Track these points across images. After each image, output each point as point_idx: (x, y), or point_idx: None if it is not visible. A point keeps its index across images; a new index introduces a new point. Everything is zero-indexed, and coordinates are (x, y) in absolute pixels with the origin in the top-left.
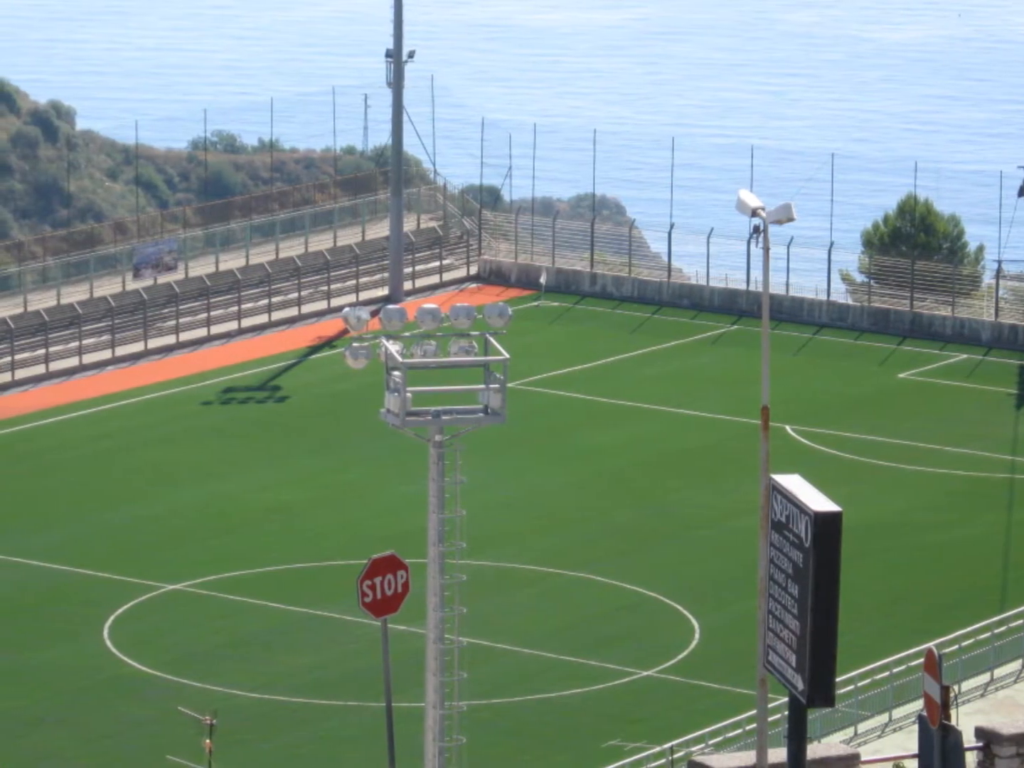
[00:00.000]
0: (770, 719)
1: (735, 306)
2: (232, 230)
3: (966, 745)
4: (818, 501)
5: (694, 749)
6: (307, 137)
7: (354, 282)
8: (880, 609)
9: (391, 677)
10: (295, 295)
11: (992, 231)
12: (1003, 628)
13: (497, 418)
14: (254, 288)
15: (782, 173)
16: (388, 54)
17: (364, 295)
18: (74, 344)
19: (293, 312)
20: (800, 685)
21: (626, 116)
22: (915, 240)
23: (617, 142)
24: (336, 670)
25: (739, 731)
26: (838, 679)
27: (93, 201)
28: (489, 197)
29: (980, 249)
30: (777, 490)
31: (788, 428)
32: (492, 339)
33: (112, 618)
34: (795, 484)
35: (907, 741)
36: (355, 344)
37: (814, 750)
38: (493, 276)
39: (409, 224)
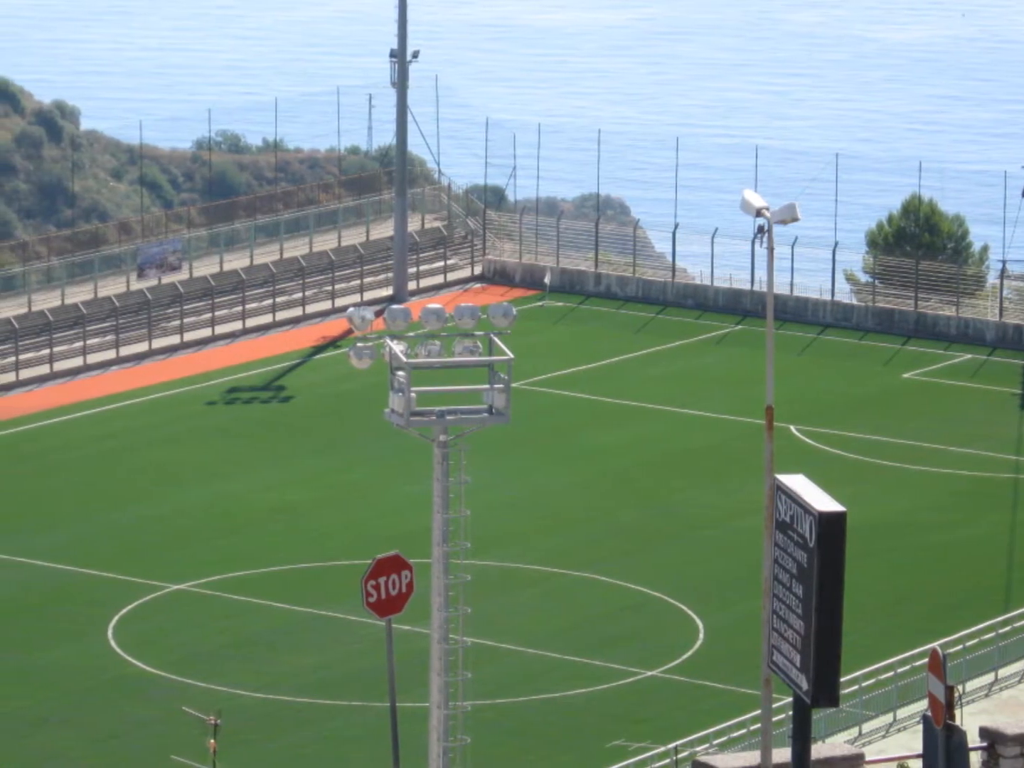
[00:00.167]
0: (774, 719)
1: (739, 306)
2: (236, 230)
3: (970, 745)
4: (822, 501)
5: (698, 749)
6: (311, 137)
7: (358, 282)
8: (884, 609)
9: (395, 677)
10: (299, 295)
11: (996, 231)
12: (1007, 628)
13: (501, 418)
14: (258, 288)
15: (786, 173)
16: (392, 54)
17: (368, 295)
18: (78, 344)
19: (297, 312)
20: (804, 685)
21: (630, 116)
22: (919, 240)
23: (621, 142)
24: (340, 670)
25: (743, 731)
26: (842, 679)
27: (97, 201)
28: (493, 197)
29: (984, 249)
30: (781, 490)
31: (792, 428)
32: (496, 339)
33: (116, 618)
34: (799, 484)
35: (911, 741)
36: (359, 344)
37: (818, 750)
38: (497, 276)
39: (413, 224)
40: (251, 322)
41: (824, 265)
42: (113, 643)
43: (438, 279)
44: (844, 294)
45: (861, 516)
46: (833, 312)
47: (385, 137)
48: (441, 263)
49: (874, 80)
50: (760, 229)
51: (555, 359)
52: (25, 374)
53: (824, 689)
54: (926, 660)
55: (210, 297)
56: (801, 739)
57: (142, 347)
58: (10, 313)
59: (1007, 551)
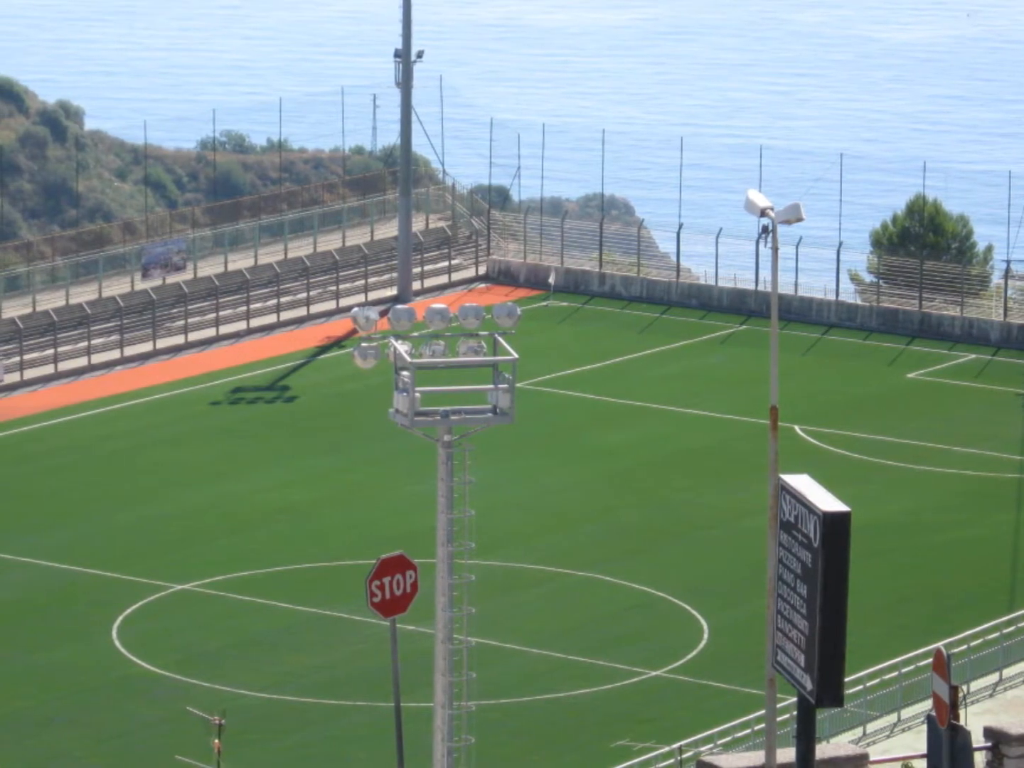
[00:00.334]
0: (779, 719)
1: (744, 306)
2: (241, 230)
3: (975, 745)
4: (827, 501)
5: (703, 749)
6: (316, 137)
7: (363, 282)
8: (889, 609)
9: (400, 677)
10: (304, 295)
11: (1001, 231)
12: (1012, 628)
13: (506, 418)
14: (263, 288)
15: (791, 173)
16: (397, 54)
17: (373, 295)
18: (83, 344)
19: (302, 312)
20: (809, 685)
21: (635, 116)
22: (924, 240)
23: (626, 142)
24: (345, 670)
25: (748, 731)
26: (847, 679)
27: (102, 201)
28: (498, 197)
29: (989, 249)
30: (786, 490)
31: (797, 428)
32: (501, 339)
33: (121, 618)
34: (804, 484)
35: (916, 741)
36: (364, 344)
37: (823, 750)
38: (502, 276)
39: (418, 224)
40: (255, 322)
41: (828, 265)
42: (117, 643)
43: (442, 279)
44: (848, 294)
45: (865, 516)
46: (837, 312)
47: (389, 137)
48: (445, 263)
49: (878, 80)
50: (764, 229)
51: (559, 359)
52: (29, 374)
53: (828, 689)
54: (930, 660)
55: (214, 297)
56: (805, 739)
57: (146, 347)
58: (14, 313)
59: (1011, 551)
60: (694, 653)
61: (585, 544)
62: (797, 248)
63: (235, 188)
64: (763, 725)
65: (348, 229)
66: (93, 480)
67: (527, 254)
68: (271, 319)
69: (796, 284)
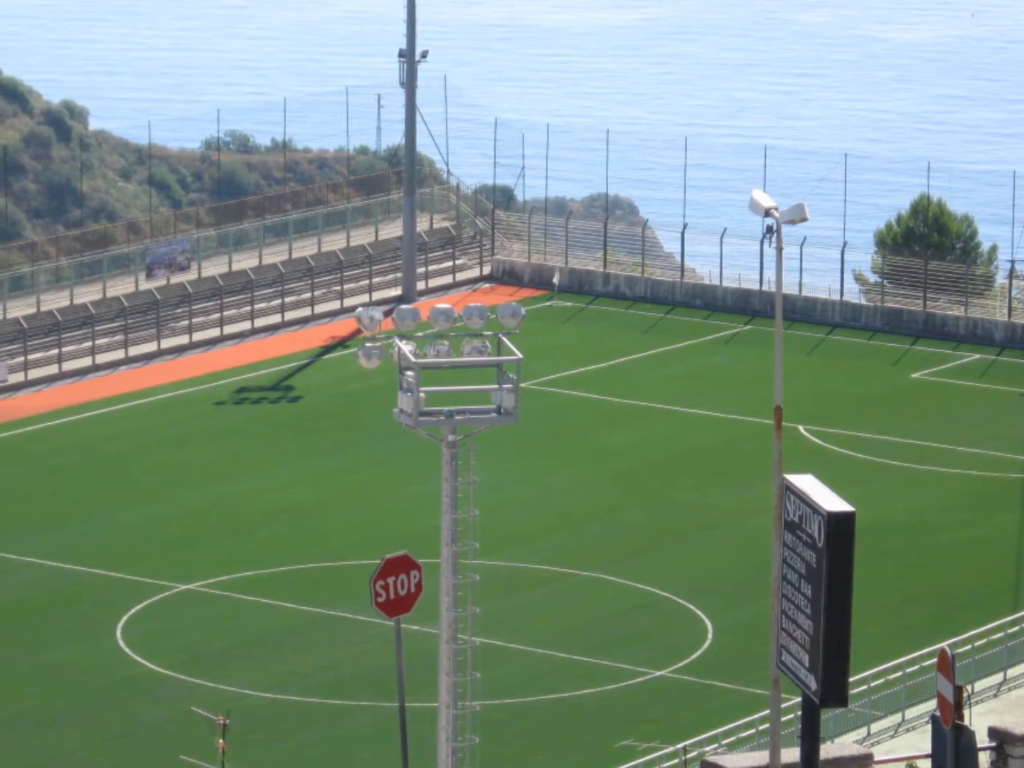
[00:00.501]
0: (783, 719)
1: (748, 306)
2: (245, 230)
3: (979, 745)
4: (831, 501)
5: (707, 749)
6: (320, 137)
7: (367, 282)
8: (893, 609)
9: (404, 677)
10: (308, 295)
11: (1005, 231)
12: (1016, 628)
13: (510, 418)
14: (267, 288)
15: (795, 173)
16: (401, 54)
17: (377, 295)
18: (87, 344)
19: (306, 312)
20: (813, 685)
21: (639, 116)
22: (928, 240)
23: (630, 142)
24: (349, 670)
25: (752, 731)
26: (851, 679)
27: (106, 201)
28: (502, 197)
29: (993, 249)
30: (790, 490)
31: (801, 428)
32: (505, 339)
33: (125, 618)
34: (808, 484)
35: (920, 741)
36: (368, 344)
37: (827, 750)
38: (506, 276)
39: (422, 224)
40: (260, 322)
41: (833, 265)
42: (122, 643)
43: (447, 279)
44: (853, 294)
45: (870, 516)
46: (842, 312)
47: (394, 137)
48: (450, 263)
49: (883, 80)
50: (769, 229)
51: (564, 359)
52: (34, 374)
53: (833, 689)
54: (935, 660)
55: (219, 297)
56: (810, 739)
57: (151, 347)
58: (19, 313)
59: (1016, 551)
60: (698, 653)
61: (589, 544)
62: (801, 248)
63: (239, 188)
64: (767, 725)
65: (352, 229)
66: (97, 480)
67: (531, 254)
68: (275, 319)
69: (800, 284)
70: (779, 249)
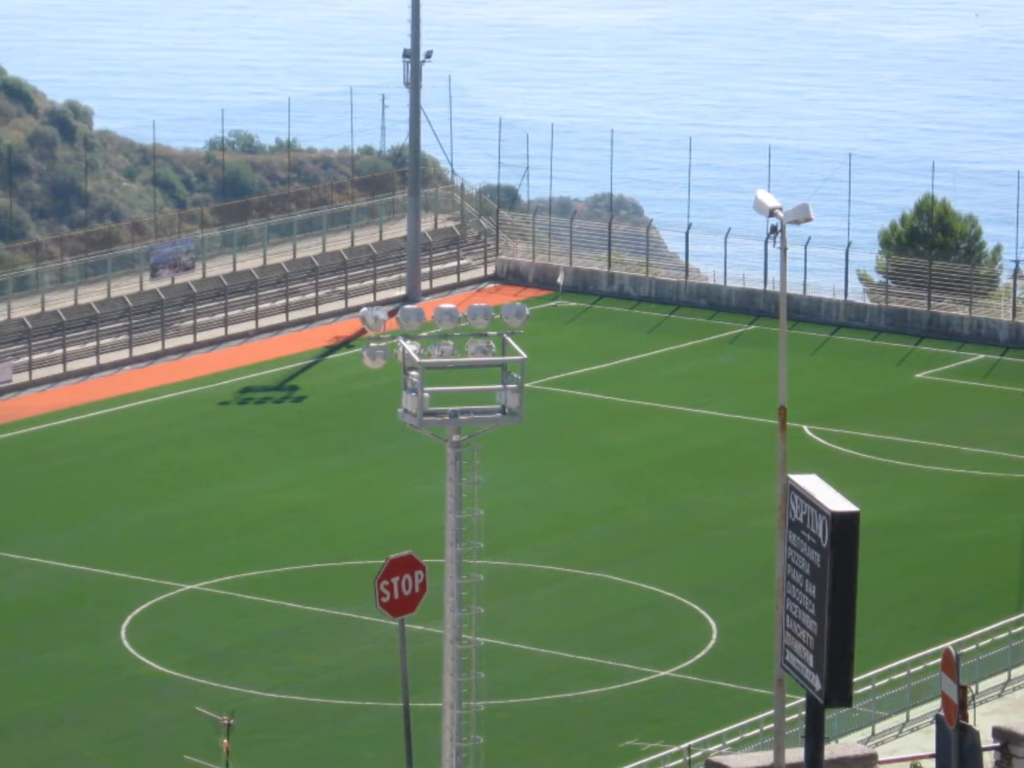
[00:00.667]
0: (787, 719)
1: (752, 306)
2: (249, 230)
3: (983, 745)
4: (835, 501)
5: (711, 749)
6: (324, 137)
7: (371, 282)
8: (897, 609)
9: (408, 677)
10: (312, 295)
11: (1010, 231)
12: (1021, 628)
13: (514, 418)
14: (271, 288)
15: (800, 173)
16: (405, 54)
17: (381, 295)
18: (91, 344)
19: (310, 312)
20: (817, 685)
21: (643, 116)
22: (932, 240)
23: (635, 142)
24: (353, 670)
25: (756, 731)
26: (855, 679)
27: (111, 201)
28: (506, 197)
29: (998, 249)
30: (794, 490)
31: (805, 428)
32: (509, 339)
33: (130, 618)
34: (812, 484)
35: (924, 741)
36: (372, 344)
37: (831, 750)
38: (510, 276)
39: (426, 224)
40: (264, 322)
41: (837, 265)
42: (126, 643)
43: (451, 279)
44: (857, 294)
45: (874, 516)
46: (846, 312)
47: (398, 137)
48: (454, 263)
49: (888, 80)
50: (773, 229)
51: (568, 359)
52: (38, 374)
53: (837, 689)
54: (939, 660)
55: (223, 297)
56: (814, 739)
57: (155, 347)
58: (23, 313)
59: (1020, 551)
60: (703, 653)
61: (594, 544)
62: (806, 248)
63: (244, 188)
64: (772, 725)
65: (357, 229)
66: (102, 480)
67: (536, 254)
68: (280, 319)
69: (805, 284)
70: (783, 249)
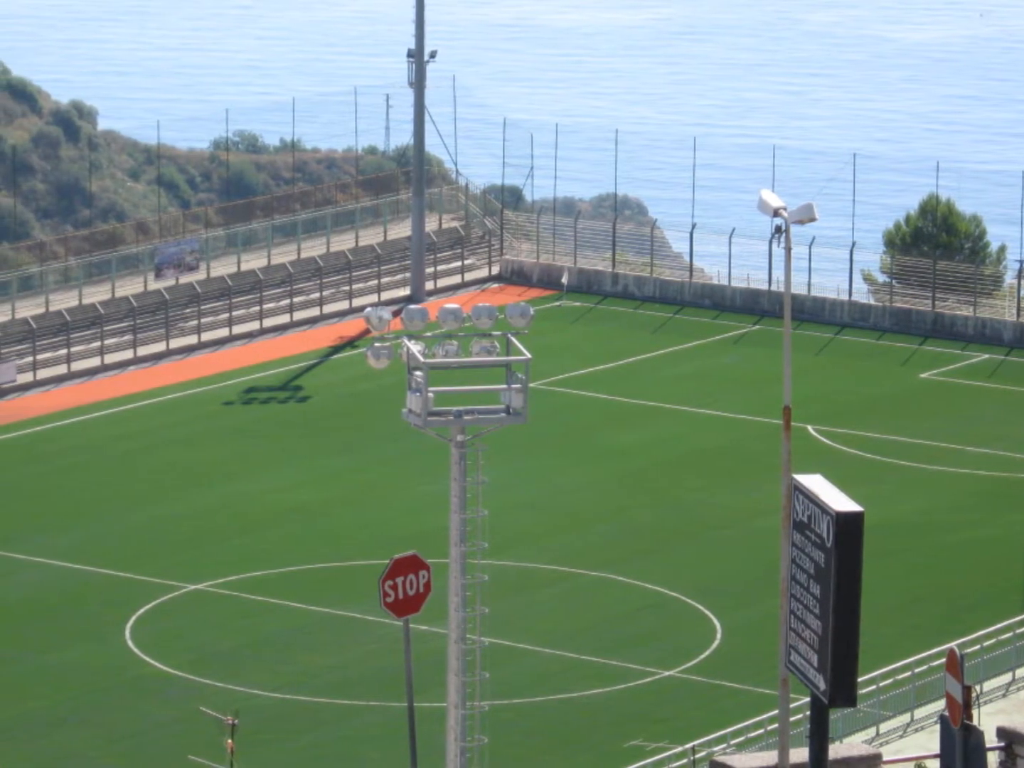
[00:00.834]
0: (792, 719)
1: (757, 306)
2: (254, 230)
3: (988, 745)
4: (840, 501)
5: (716, 749)
6: (329, 137)
7: (376, 282)
8: (902, 609)
9: (413, 677)
10: (317, 295)
11: (1014, 231)
12: None
13: (519, 418)
14: (276, 288)
15: (804, 173)
16: (410, 54)
17: (386, 295)
18: (96, 344)
19: (315, 312)
20: (822, 685)
21: (648, 116)
22: (937, 240)
23: (639, 142)
24: (358, 670)
25: (761, 731)
26: (860, 679)
27: (115, 201)
28: (511, 197)
29: (1002, 249)
30: (799, 490)
31: (810, 428)
32: (514, 339)
33: (134, 618)
34: (817, 484)
35: (929, 741)
36: (377, 344)
37: (836, 750)
38: (515, 276)
39: (431, 224)
40: (268, 322)
41: (841, 265)
42: (131, 643)
43: (455, 279)
44: (861, 294)
45: (878, 516)
46: (850, 312)
47: (402, 137)
48: (458, 263)
49: (892, 80)
50: (777, 229)
51: (572, 359)
52: (43, 374)
53: (841, 689)
54: (943, 660)
55: (227, 297)
56: (818, 739)
57: (159, 347)
58: (28, 313)
59: None
60: (707, 653)
61: (598, 544)
62: (810, 248)
63: (248, 188)
64: (776, 725)
65: (361, 229)
66: (106, 480)
67: (540, 254)
68: (284, 319)
69: (809, 284)
70: (788, 249)
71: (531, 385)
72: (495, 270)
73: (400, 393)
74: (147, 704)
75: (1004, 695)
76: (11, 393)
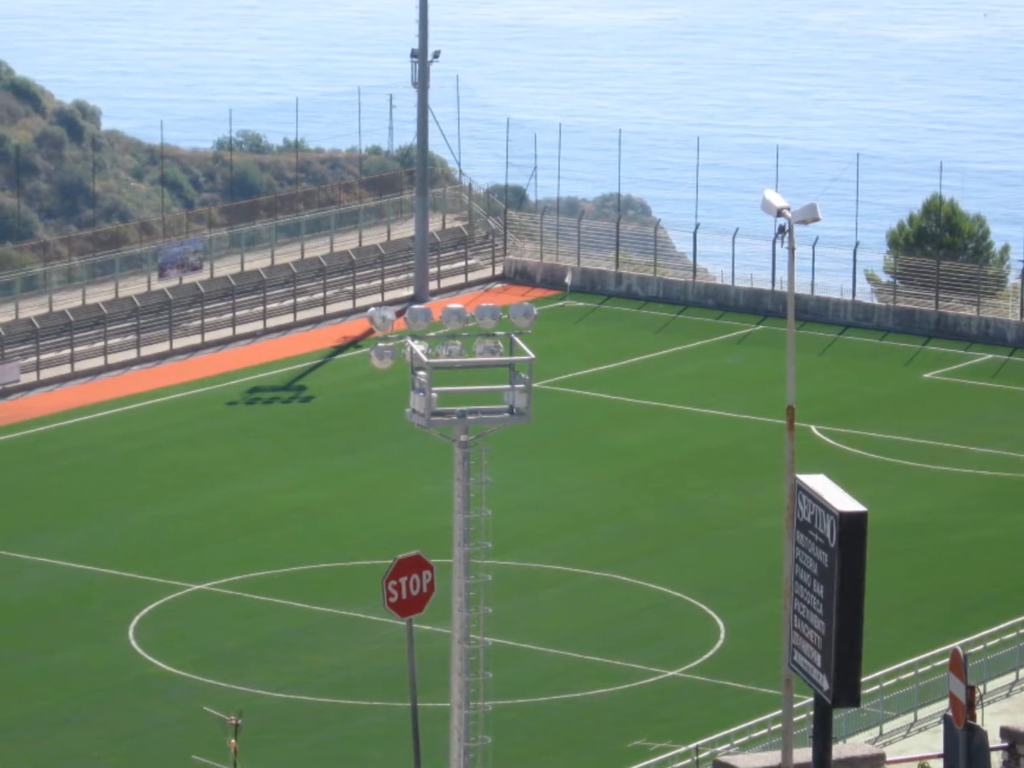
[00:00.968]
0: (795, 719)
1: (760, 306)
2: (257, 230)
3: (991, 745)
4: (843, 501)
5: (719, 749)
6: (332, 137)
7: (379, 282)
8: (905, 609)
9: (416, 677)
10: (320, 295)
11: (1017, 231)
12: None
13: (522, 418)
14: (279, 288)
15: (807, 173)
16: (413, 54)
17: (389, 295)
18: (99, 344)
19: (318, 312)
20: (825, 685)
21: (651, 116)
22: (940, 240)
23: (643, 142)
24: (361, 670)
25: (764, 731)
26: (863, 679)
27: (118, 201)
28: (514, 197)
29: (1005, 249)
30: (802, 490)
31: (813, 428)
32: (517, 339)
33: (137, 618)
34: (820, 484)
35: (932, 741)
36: (380, 344)
37: (839, 750)
38: (518, 276)
39: (434, 224)
40: (272, 322)
41: (845, 265)
42: (134, 643)
43: (459, 279)
44: (865, 294)
45: (882, 516)
46: (854, 312)
47: (406, 137)
48: (462, 263)
49: (895, 80)
50: (781, 229)
51: (576, 359)
52: (46, 374)
53: (845, 689)
54: (947, 660)
55: (231, 297)
56: (822, 739)
57: (163, 347)
58: (31, 313)
59: None
60: (711, 653)
61: (601, 544)
62: (814, 248)
63: (252, 188)
64: (780, 725)
65: (365, 229)
66: (109, 480)
67: (543, 254)
68: (287, 319)
69: (813, 284)
70: (791, 249)
71: (534, 385)
72: (499, 270)
73: (403, 393)
74: (150, 704)
75: (1008, 695)
76: (14, 393)
